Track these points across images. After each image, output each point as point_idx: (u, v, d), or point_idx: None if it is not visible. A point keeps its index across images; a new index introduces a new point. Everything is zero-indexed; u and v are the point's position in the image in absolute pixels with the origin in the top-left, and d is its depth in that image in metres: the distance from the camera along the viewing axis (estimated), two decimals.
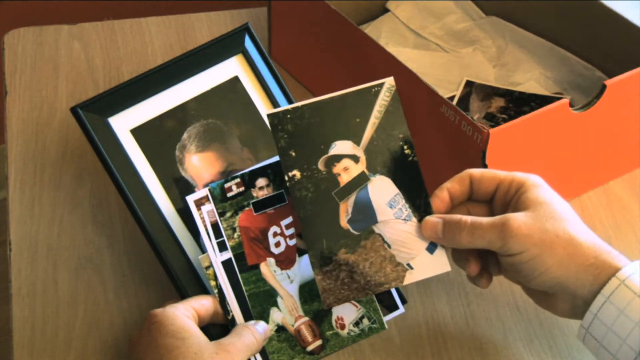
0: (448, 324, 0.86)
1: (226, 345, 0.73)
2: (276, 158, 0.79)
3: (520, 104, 1.06)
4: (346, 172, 0.78)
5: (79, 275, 0.89)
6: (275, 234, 0.80)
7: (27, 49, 1.14)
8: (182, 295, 0.79)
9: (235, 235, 0.79)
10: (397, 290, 0.82)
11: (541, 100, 1.05)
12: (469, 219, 0.75)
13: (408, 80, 0.90)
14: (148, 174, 0.83)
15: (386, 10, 1.17)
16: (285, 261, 0.80)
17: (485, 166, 0.85)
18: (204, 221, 0.78)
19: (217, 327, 0.78)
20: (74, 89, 1.09)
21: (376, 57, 0.94)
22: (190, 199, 0.78)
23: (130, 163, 0.83)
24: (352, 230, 0.77)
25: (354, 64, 0.99)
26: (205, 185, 0.80)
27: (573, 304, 0.74)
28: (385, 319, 0.81)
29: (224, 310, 0.77)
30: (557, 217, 0.73)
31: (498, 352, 0.84)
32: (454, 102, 1.06)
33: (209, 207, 0.79)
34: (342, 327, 0.80)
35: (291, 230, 0.80)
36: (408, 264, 0.78)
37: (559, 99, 0.90)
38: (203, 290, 0.80)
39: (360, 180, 0.78)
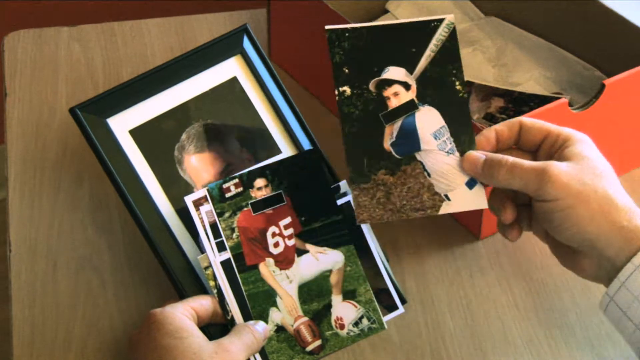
0: (448, 324, 0.86)
1: (225, 345, 0.73)
2: (275, 158, 0.80)
3: (519, 104, 1.05)
4: (396, 97, 0.79)
5: (78, 276, 0.89)
6: (274, 234, 0.80)
7: (27, 51, 1.14)
8: (182, 295, 0.79)
9: (234, 235, 0.79)
10: (397, 290, 0.82)
11: (540, 101, 1.05)
12: (510, 158, 0.75)
13: None
14: (147, 175, 0.83)
15: (386, 11, 1.17)
16: (284, 261, 0.80)
17: None
18: (202, 221, 0.78)
19: (216, 327, 0.78)
20: (74, 91, 1.09)
21: None
22: (189, 199, 0.78)
23: (129, 164, 0.83)
24: (394, 154, 0.78)
25: None
26: (204, 186, 0.80)
27: (599, 265, 0.74)
28: (385, 319, 0.80)
29: (223, 310, 0.77)
30: (597, 173, 0.73)
31: (498, 352, 0.84)
32: None
33: (208, 207, 0.79)
34: (342, 327, 0.80)
35: (290, 231, 0.80)
36: (446, 195, 0.78)
37: (558, 99, 0.90)
38: (202, 290, 0.80)
39: (409, 107, 0.79)
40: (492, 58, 1.12)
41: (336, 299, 0.80)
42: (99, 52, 1.15)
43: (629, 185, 0.99)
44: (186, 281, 0.80)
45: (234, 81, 0.88)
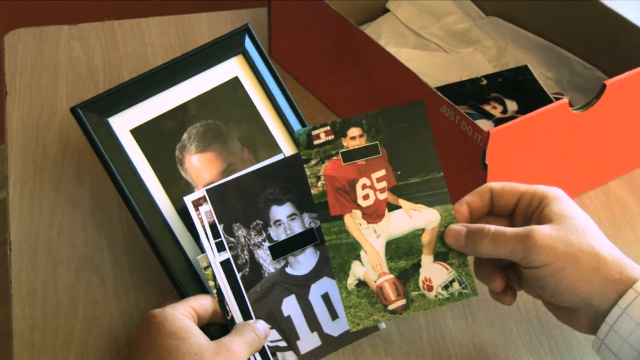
0: (448, 324, 0.86)
1: (227, 344, 0.73)
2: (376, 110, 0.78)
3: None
4: None
5: (79, 276, 0.89)
6: (364, 186, 0.77)
7: (27, 50, 1.14)
8: (182, 295, 0.79)
9: (319, 184, 0.77)
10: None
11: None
12: (492, 227, 0.74)
13: (408, 81, 0.90)
14: (148, 174, 0.83)
15: (386, 11, 1.17)
16: (373, 215, 0.77)
17: (485, 166, 0.85)
18: (202, 221, 0.78)
19: (216, 327, 0.78)
20: (74, 89, 1.09)
21: (377, 58, 0.94)
22: (188, 200, 0.78)
23: (130, 163, 0.83)
24: None
25: (354, 65, 0.99)
26: (205, 186, 0.80)
27: (595, 320, 0.73)
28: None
29: (222, 310, 0.77)
30: (581, 230, 0.73)
31: (498, 352, 0.84)
32: None
33: (207, 207, 0.78)
34: (430, 288, 0.77)
35: (382, 184, 0.78)
36: None
37: (558, 99, 0.90)
38: (202, 290, 0.80)
39: None
40: (493, 58, 1.12)
41: (426, 259, 0.78)
42: (99, 51, 1.15)
43: (629, 186, 1.00)
44: (187, 281, 0.80)
45: (235, 81, 0.88)
